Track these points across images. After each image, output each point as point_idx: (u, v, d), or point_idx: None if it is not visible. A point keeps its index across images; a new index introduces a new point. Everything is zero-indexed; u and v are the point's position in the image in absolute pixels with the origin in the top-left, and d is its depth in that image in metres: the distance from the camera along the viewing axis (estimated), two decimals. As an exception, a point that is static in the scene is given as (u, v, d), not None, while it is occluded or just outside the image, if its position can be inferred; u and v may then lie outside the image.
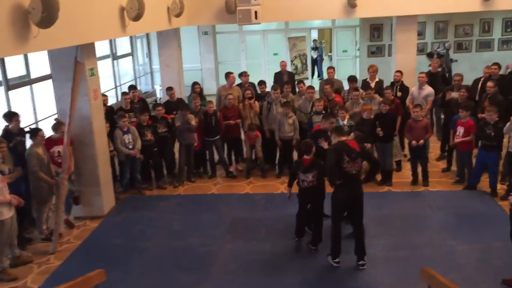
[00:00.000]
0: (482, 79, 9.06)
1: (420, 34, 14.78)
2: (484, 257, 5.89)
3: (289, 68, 13.13)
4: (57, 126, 7.02)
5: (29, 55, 9.00)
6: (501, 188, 7.64)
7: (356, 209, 5.75)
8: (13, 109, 8.19)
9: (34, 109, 9.23)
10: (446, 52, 14.35)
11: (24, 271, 6.09)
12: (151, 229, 7.13)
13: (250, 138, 8.75)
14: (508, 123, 7.21)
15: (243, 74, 10.00)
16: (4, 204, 5.77)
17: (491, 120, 7.32)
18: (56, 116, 7.59)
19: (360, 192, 5.73)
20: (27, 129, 7.06)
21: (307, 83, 12.22)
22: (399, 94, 9.28)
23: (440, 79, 9.77)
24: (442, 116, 9.37)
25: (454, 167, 8.54)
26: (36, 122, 9.05)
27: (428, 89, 9.04)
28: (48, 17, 4.89)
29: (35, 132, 6.70)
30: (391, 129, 8.14)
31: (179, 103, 9.23)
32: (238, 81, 9.99)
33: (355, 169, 5.58)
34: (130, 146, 8.01)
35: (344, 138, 5.73)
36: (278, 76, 10.67)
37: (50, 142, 7.03)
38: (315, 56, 18.18)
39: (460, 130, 7.74)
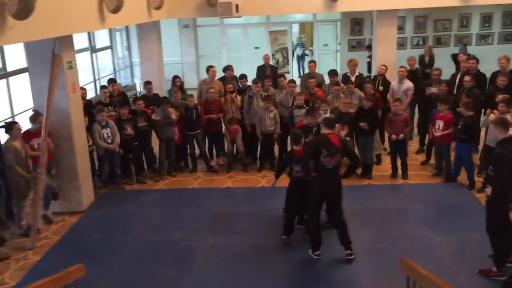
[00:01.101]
0: (460, 73, 9.18)
1: (400, 28, 14.92)
2: (462, 249, 6.00)
3: (271, 62, 13.12)
4: (35, 117, 6.88)
5: (5, 47, 8.81)
6: (478, 180, 7.76)
7: (333, 203, 5.76)
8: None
9: (11, 103, 9.05)
10: (464, 47, 14.63)
11: (2, 267, 6.00)
12: (131, 223, 7.08)
13: (230, 132, 8.73)
14: (485, 117, 7.33)
15: (228, 68, 9.96)
16: None
17: (465, 113, 7.43)
18: (33, 110, 7.44)
19: (337, 186, 5.72)
20: (1, 124, 6.92)
21: (290, 77, 12.24)
22: (380, 88, 9.35)
23: (420, 75, 9.85)
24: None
25: (432, 160, 8.66)
26: (13, 116, 8.88)
27: (408, 83, 9.14)
28: (24, 9, 4.79)
29: (10, 126, 6.57)
30: (373, 124, 8.22)
31: (156, 97, 9.18)
32: (221, 74, 9.94)
33: (332, 164, 5.58)
34: (109, 141, 7.93)
35: (330, 132, 5.71)
36: (261, 70, 10.65)
37: (28, 135, 6.91)
38: (300, 53, 18.12)
39: (440, 123, 7.84)
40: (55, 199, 7.37)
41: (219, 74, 9.94)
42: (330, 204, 5.78)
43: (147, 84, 9.33)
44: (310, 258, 5.87)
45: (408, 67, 9.83)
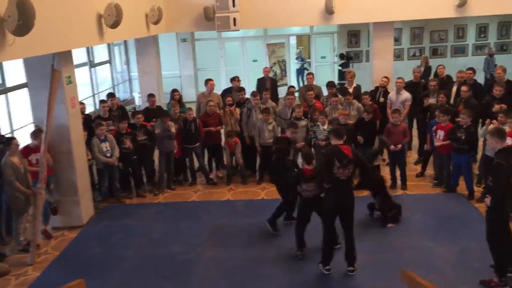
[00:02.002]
0: (457, 83, 9.23)
1: (397, 40, 15.04)
2: (462, 259, 6.00)
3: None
4: (37, 133, 6.90)
5: (4, 63, 8.85)
6: (477, 190, 7.77)
7: (345, 215, 5.68)
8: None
9: (10, 118, 9.07)
10: (490, 57, 14.70)
11: (2, 283, 5.96)
12: (131, 237, 7.07)
13: (229, 145, 8.75)
14: (484, 127, 7.36)
15: (235, 79, 10.00)
16: None
17: (464, 124, 7.47)
18: (32, 125, 7.46)
19: (350, 197, 5.64)
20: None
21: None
22: (381, 100, 9.38)
23: (421, 88, 9.91)
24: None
25: (428, 171, 8.71)
26: (12, 131, 8.89)
27: (406, 94, 9.18)
28: (24, 25, 4.82)
29: (9, 141, 6.57)
30: (372, 135, 8.24)
31: (159, 110, 9.20)
32: (229, 85, 9.96)
33: (345, 175, 5.49)
34: (108, 154, 7.94)
35: (341, 142, 5.62)
36: (260, 82, 10.70)
37: (27, 150, 6.92)
38: (298, 66, 18.17)
39: (441, 133, 7.85)
40: (54, 214, 7.35)
41: (222, 86, 9.95)
42: (344, 214, 5.68)
43: (150, 97, 9.32)
44: (311, 270, 5.85)
45: (413, 79, 9.94)
